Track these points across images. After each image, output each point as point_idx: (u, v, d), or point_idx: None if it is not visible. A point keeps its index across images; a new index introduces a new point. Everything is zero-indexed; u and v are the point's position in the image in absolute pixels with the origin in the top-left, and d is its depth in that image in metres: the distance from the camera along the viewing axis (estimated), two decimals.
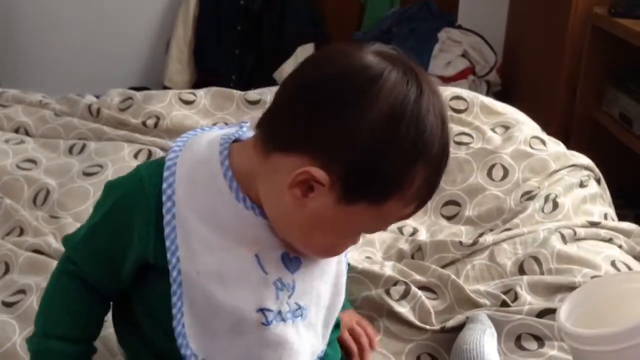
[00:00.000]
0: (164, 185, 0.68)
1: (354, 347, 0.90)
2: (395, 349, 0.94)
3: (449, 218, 1.21)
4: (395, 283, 1.02)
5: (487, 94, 2.45)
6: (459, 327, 0.95)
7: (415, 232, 1.17)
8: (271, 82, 2.39)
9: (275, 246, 0.70)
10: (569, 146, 1.34)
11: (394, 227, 1.17)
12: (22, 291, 1.01)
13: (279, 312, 0.70)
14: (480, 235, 1.13)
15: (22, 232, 1.18)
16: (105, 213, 0.71)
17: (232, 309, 0.69)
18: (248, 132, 0.73)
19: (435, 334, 0.96)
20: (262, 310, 0.69)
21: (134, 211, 0.69)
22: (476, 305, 0.99)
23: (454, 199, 1.22)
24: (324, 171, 0.63)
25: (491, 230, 1.14)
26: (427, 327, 0.96)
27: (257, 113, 1.43)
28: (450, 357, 0.92)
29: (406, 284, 1.02)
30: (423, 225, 1.19)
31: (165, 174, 0.69)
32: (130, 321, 0.75)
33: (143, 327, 0.73)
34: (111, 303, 0.77)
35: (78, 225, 1.17)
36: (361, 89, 0.63)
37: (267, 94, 1.48)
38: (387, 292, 1.00)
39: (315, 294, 0.74)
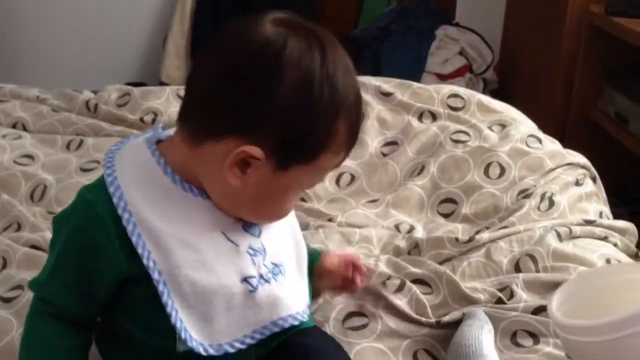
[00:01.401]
0: (115, 200, 0.70)
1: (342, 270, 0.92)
2: (392, 344, 0.94)
3: (445, 216, 1.22)
4: (389, 277, 1.03)
5: (484, 92, 2.46)
6: (455, 323, 0.96)
7: (412, 229, 1.17)
8: None
9: (232, 220, 0.74)
10: (565, 144, 1.35)
11: (390, 224, 1.17)
12: (19, 287, 1.01)
13: (261, 276, 0.74)
14: (477, 232, 1.13)
15: (19, 228, 1.18)
16: (65, 243, 0.72)
17: (221, 288, 0.71)
18: (164, 132, 0.77)
19: (432, 330, 0.97)
20: (245, 280, 0.73)
21: (93, 233, 0.70)
22: (471, 301, 0.99)
23: (451, 196, 1.23)
24: (257, 146, 0.67)
25: (487, 228, 1.15)
26: (424, 319, 0.97)
27: None
28: (447, 354, 0.92)
29: (400, 278, 1.03)
30: (420, 223, 1.20)
31: (111, 189, 0.70)
32: (116, 341, 0.77)
33: (134, 339, 0.74)
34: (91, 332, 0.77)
35: None
36: (268, 65, 0.67)
37: None
38: (383, 284, 1.01)
39: (283, 249, 0.79)
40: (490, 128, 1.33)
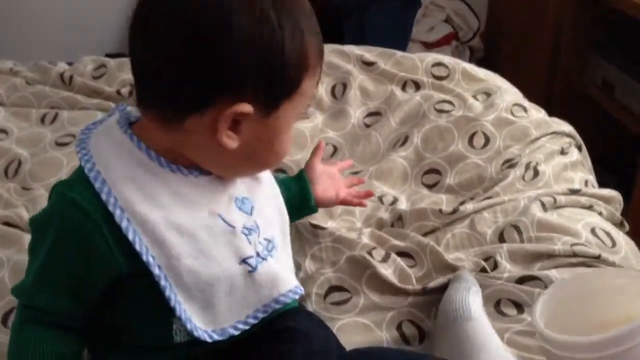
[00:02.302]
0: (103, 197, 0.65)
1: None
2: (376, 318, 0.93)
3: (429, 187, 1.20)
4: (374, 248, 1.01)
5: (470, 60, 2.43)
6: (441, 289, 0.95)
7: (395, 201, 1.15)
8: None
9: (225, 196, 0.72)
10: (551, 113, 1.33)
11: (374, 197, 1.15)
12: None
13: (258, 254, 0.73)
14: (461, 203, 1.12)
15: None
16: (52, 246, 0.67)
17: (222, 273, 0.70)
18: (130, 112, 0.72)
19: (416, 299, 0.96)
20: (244, 261, 0.71)
21: (84, 234, 0.66)
22: (455, 270, 0.98)
23: (435, 167, 1.21)
24: (243, 102, 0.64)
25: (472, 198, 1.13)
26: (410, 287, 0.96)
27: None
28: (436, 320, 0.91)
29: (384, 250, 1.02)
30: (403, 194, 1.18)
31: (97, 185, 0.66)
32: (107, 341, 0.73)
33: (123, 336, 0.72)
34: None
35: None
36: (213, 17, 0.62)
37: None
38: (369, 254, 0.99)
39: (271, 223, 0.77)
40: (474, 97, 1.31)
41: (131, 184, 0.67)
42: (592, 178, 1.22)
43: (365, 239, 1.04)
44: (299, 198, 0.94)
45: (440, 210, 1.07)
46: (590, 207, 1.10)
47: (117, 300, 0.69)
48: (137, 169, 0.67)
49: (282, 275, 0.75)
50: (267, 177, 0.79)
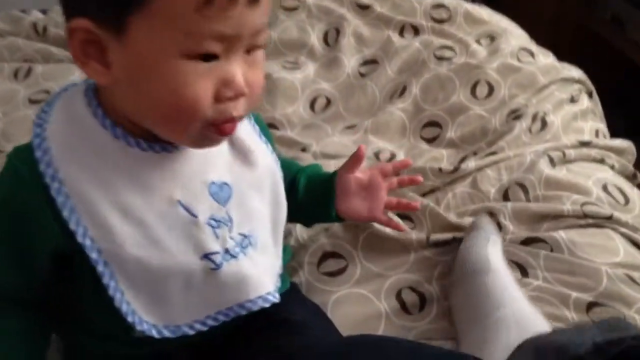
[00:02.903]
0: (42, 167, 0.58)
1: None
2: (374, 287, 0.88)
3: (429, 141, 1.12)
4: None
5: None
6: (444, 249, 0.90)
7: (392, 157, 1.08)
8: None
9: (196, 180, 0.62)
10: (558, 51, 1.24)
11: (370, 153, 1.08)
12: None
13: (226, 251, 0.64)
14: (462, 160, 1.04)
15: None
16: None
17: (176, 267, 0.61)
18: None
19: (415, 265, 0.90)
20: (206, 257, 0.63)
21: (23, 202, 0.59)
22: (459, 228, 0.92)
23: (435, 119, 1.13)
24: (78, 17, 0.54)
25: (475, 153, 1.06)
26: (413, 237, 0.91)
27: None
28: (451, 274, 0.86)
29: None
30: (401, 149, 1.11)
31: (38, 154, 0.58)
32: (76, 329, 0.67)
33: (94, 324, 0.66)
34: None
35: None
36: None
37: None
38: None
39: (257, 217, 0.68)
40: (478, 41, 1.21)
41: (77, 155, 0.59)
42: (603, 127, 1.14)
43: None
44: (320, 205, 0.81)
45: (440, 169, 1.00)
46: (601, 161, 1.03)
47: (73, 280, 0.63)
48: (87, 140, 0.59)
49: (254, 278, 0.66)
50: (265, 162, 0.70)
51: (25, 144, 0.62)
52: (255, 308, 0.66)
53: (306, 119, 1.17)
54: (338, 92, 1.20)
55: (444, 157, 1.08)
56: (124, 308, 0.61)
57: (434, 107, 1.14)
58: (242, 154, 0.67)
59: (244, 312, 0.66)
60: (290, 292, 0.73)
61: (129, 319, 0.61)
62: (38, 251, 0.61)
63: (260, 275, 0.67)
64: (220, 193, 0.64)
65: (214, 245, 0.63)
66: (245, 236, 0.66)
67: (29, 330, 0.64)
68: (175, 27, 0.52)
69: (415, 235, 0.92)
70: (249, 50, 0.57)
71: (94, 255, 0.59)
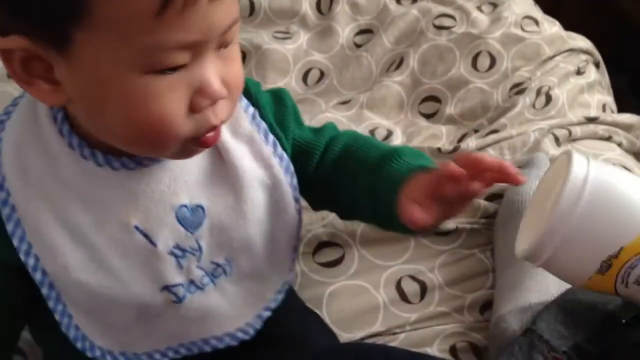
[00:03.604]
0: None
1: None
2: (372, 277, 0.85)
3: (427, 116, 1.07)
4: None
5: None
6: (445, 233, 0.87)
7: (389, 135, 1.03)
8: None
9: (162, 202, 0.54)
10: (562, 10, 1.17)
11: (365, 129, 1.03)
12: None
13: (191, 282, 0.57)
14: (462, 138, 1.00)
15: None
16: None
17: (130, 297, 0.55)
18: None
19: (415, 252, 0.87)
20: (166, 288, 0.56)
21: None
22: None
23: (434, 94, 1.07)
24: (10, 36, 0.45)
25: (475, 130, 1.01)
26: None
27: None
28: (499, 212, 0.83)
29: None
30: (398, 126, 1.06)
31: None
32: (40, 315, 0.61)
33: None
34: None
35: None
36: None
37: None
38: None
39: (240, 244, 0.59)
40: (479, 8, 1.15)
41: (28, 164, 0.52)
42: (610, 100, 1.09)
43: None
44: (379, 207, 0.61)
45: (439, 149, 0.95)
46: (609, 138, 0.98)
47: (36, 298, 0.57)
48: (41, 146, 0.52)
49: (222, 312, 0.59)
50: (256, 177, 0.58)
51: None
52: (221, 346, 0.61)
53: (299, 93, 1.11)
54: (332, 64, 1.14)
55: (443, 135, 1.03)
56: (72, 334, 0.56)
57: (433, 80, 1.08)
58: (224, 167, 0.57)
59: (208, 349, 0.61)
60: (287, 299, 0.67)
61: (78, 345, 0.56)
62: None
63: (232, 308, 0.61)
64: (191, 218, 0.55)
65: (176, 277, 0.56)
66: (217, 265, 0.58)
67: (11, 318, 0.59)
68: (128, 41, 0.44)
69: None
70: (221, 47, 0.48)
71: (37, 276, 0.53)
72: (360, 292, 0.83)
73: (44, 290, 0.54)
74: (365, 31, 1.17)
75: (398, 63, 1.10)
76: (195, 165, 0.55)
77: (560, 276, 0.50)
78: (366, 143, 0.64)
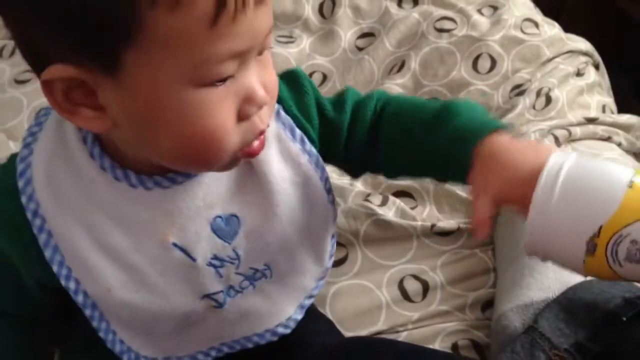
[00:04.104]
0: (23, 200, 0.51)
1: None
2: (375, 277, 0.86)
3: None
4: (369, 195, 0.93)
5: None
6: (447, 233, 0.89)
7: None
8: None
9: (197, 217, 0.54)
10: (563, 12, 1.18)
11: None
12: None
13: (230, 287, 0.58)
14: None
15: None
16: None
17: (172, 309, 0.56)
18: None
19: (418, 252, 0.89)
20: (207, 296, 0.57)
21: (6, 242, 0.53)
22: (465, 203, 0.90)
23: (435, 96, 1.09)
24: (57, 64, 0.44)
25: None
26: (418, 224, 0.89)
27: None
28: (501, 211, 0.84)
29: (381, 194, 0.94)
30: None
31: (20, 183, 0.51)
32: (69, 325, 0.63)
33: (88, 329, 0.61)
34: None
35: (11, 144, 1.04)
36: None
37: None
38: (367, 201, 0.91)
39: (277, 247, 0.58)
40: (479, 11, 1.16)
41: (61, 187, 0.52)
42: (610, 101, 1.10)
43: (359, 185, 0.95)
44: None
45: None
46: (608, 139, 0.99)
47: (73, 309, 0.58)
48: (74, 170, 0.52)
49: (263, 311, 0.61)
50: (286, 178, 0.57)
51: (9, 163, 0.55)
52: (263, 342, 0.62)
53: None
54: (334, 67, 1.15)
55: None
56: (118, 348, 0.57)
57: (434, 82, 1.09)
58: (253, 173, 0.56)
59: (250, 345, 0.62)
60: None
61: (124, 358, 0.58)
62: (27, 283, 0.56)
63: (274, 305, 0.61)
64: (226, 228, 0.55)
65: (216, 286, 0.57)
66: (257, 270, 0.59)
67: (28, 345, 0.61)
68: (182, 55, 0.43)
69: (419, 222, 0.90)
70: (260, 53, 0.48)
71: (79, 298, 0.54)
72: (364, 291, 0.85)
73: (87, 312, 0.55)
74: (367, 34, 1.19)
75: (400, 66, 1.12)
76: (225, 175, 0.55)
77: (564, 266, 0.52)
78: (408, 103, 0.61)
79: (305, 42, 1.18)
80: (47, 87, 0.45)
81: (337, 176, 0.96)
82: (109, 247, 0.53)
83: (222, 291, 0.57)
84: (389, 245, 0.88)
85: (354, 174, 0.66)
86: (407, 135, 0.58)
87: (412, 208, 0.94)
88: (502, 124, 0.55)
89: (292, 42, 1.18)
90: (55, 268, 0.52)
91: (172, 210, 0.53)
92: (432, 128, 0.56)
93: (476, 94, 1.06)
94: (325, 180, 0.60)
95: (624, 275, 0.49)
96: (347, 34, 1.18)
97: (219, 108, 0.45)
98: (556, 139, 0.96)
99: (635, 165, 0.96)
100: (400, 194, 0.96)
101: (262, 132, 0.50)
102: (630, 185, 0.48)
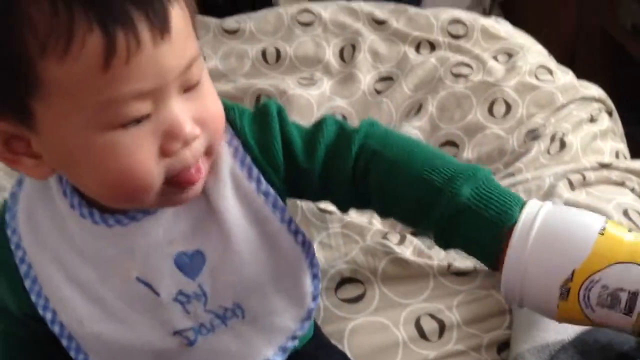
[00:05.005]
0: (9, 232, 0.55)
1: None
2: (392, 314, 0.87)
3: None
4: (387, 234, 0.95)
5: (492, 2, 2.28)
6: (464, 273, 0.90)
7: None
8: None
9: (158, 252, 0.54)
10: (578, 60, 1.22)
11: None
12: None
13: (202, 325, 0.58)
14: None
15: None
16: None
17: (142, 344, 0.57)
18: None
19: (435, 291, 0.90)
20: (178, 333, 0.57)
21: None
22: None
23: (452, 139, 1.12)
24: None
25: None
26: (435, 262, 0.90)
27: (236, 44, 1.31)
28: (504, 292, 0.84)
29: (399, 233, 0.96)
30: None
31: (7, 216, 0.56)
32: None
33: None
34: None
35: None
36: None
37: (246, 22, 1.33)
38: (385, 239, 0.93)
39: (244, 285, 0.57)
40: (495, 58, 1.20)
41: (40, 223, 0.55)
42: (623, 147, 1.12)
43: (377, 224, 0.97)
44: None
45: None
46: (622, 184, 1.01)
47: None
48: (49, 206, 0.55)
49: (237, 352, 0.59)
50: (243, 216, 0.56)
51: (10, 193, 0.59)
52: None
53: None
54: (354, 109, 1.19)
55: None
56: None
57: (451, 125, 1.12)
58: (212, 210, 0.55)
59: None
60: (314, 339, 0.67)
61: None
62: (15, 308, 0.59)
63: (249, 347, 0.60)
64: (190, 264, 0.55)
65: (184, 322, 0.57)
66: (226, 309, 0.58)
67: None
68: (82, 101, 0.43)
69: (436, 262, 0.91)
70: (187, 90, 0.48)
71: (56, 329, 0.56)
72: (381, 328, 0.86)
73: (64, 342, 0.56)
74: (386, 78, 1.22)
75: (417, 109, 1.15)
76: (186, 212, 0.55)
77: (539, 312, 0.53)
78: (399, 170, 0.54)
79: (325, 84, 1.22)
80: None
81: (355, 215, 0.99)
82: (78, 280, 0.55)
83: (191, 328, 0.57)
84: (406, 284, 0.90)
85: (340, 209, 0.61)
86: (402, 206, 0.54)
87: (429, 247, 0.95)
88: (510, 218, 0.51)
89: (313, 84, 1.22)
90: (33, 297, 0.55)
91: (133, 246, 0.54)
92: (433, 222, 0.52)
93: (491, 137, 1.09)
94: (288, 221, 0.57)
95: (596, 320, 0.50)
96: (366, 78, 1.22)
97: (134, 148, 0.46)
98: (570, 183, 0.98)
99: None
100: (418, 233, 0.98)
101: (192, 165, 0.49)
102: (602, 232, 0.49)
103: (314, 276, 0.63)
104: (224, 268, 0.56)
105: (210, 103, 0.50)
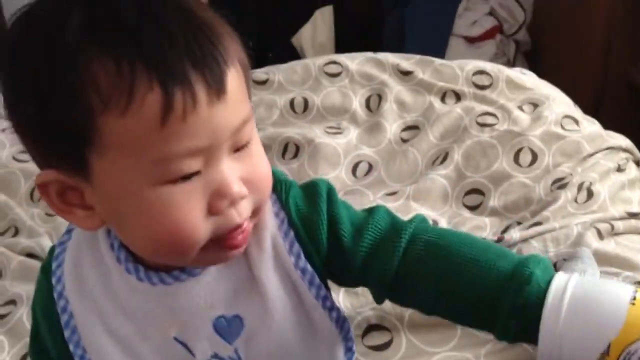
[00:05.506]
0: (53, 281, 0.57)
1: None
2: None
3: (472, 208, 1.11)
4: None
5: (516, 54, 2.31)
6: None
7: (435, 224, 1.07)
8: (289, 48, 2.30)
9: (198, 315, 0.56)
10: (603, 110, 1.22)
11: None
12: (12, 302, 0.96)
13: None
14: (506, 229, 1.03)
15: (16, 232, 1.12)
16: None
17: None
18: None
19: (461, 340, 0.89)
20: None
21: (38, 316, 0.60)
22: None
23: (477, 187, 1.12)
24: (44, 169, 0.49)
25: (519, 223, 1.04)
26: None
27: (265, 94, 1.34)
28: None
29: None
30: (444, 217, 1.10)
31: (54, 265, 0.57)
32: None
33: None
34: None
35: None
36: None
37: (275, 74, 1.37)
38: None
39: (278, 352, 0.58)
40: (520, 108, 1.21)
41: (85, 275, 0.57)
42: None
43: None
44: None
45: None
46: None
47: None
48: (96, 259, 0.56)
49: None
50: (280, 286, 0.56)
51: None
52: None
53: (348, 185, 1.18)
54: (380, 158, 1.21)
55: (487, 226, 1.06)
56: None
57: (477, 174, 1.13)
58: (251, 277, 0.56)
59: None
60: None
61: None
62: (54, 354, 0.61)
63: None
64: (229, 328, 0.56)
65: None
66: None
67: None
68: (138, 156, 0.46)
69: None
70: (237, 150, 0.49)
71: None
72: None
73: None
74: (412, 127, 1.24)
75: (443, 157, 1.16)
76: (228, 277, 0.56)
77: None
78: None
79: (352, 133, 1.24)
80: (42, 190, 0.50)
81: None
82: (118, 334, 0.56)
83: None
84: (433, 332, 0.89)
85: (377, 300, 0.60)
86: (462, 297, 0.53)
87: None
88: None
89: (340, 133, 1.24)
90: (71, 347, 0.57)
91: (174, 306, 0.55)
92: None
93: (518, 185, 1.09)
94: (324, 297, 0.57)
95: None
96: (392, 127, 1.24)
97: (184, 204, 0.47)
98: (599, 233, 0.98)
99: None
100: None
101: (239, 226, 0.50)
102: (633, 302, 0.49)
103: (348, 349, 0.63)
104: (260, 335, 0.57)
105: (258, 163, 0.51)
